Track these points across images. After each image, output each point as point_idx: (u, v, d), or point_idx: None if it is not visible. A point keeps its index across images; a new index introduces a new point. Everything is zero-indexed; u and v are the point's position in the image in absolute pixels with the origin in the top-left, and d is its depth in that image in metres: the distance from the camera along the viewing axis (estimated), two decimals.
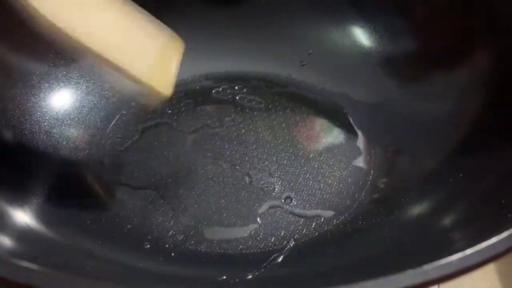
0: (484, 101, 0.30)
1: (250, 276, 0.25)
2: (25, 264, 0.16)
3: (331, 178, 0.32)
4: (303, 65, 0.41)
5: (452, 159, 0.29)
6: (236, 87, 0.40)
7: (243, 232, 0.28)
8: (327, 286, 0.16)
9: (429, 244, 0.23)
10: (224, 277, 0.25)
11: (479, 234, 0.20)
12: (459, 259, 0.14)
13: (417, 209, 0.28)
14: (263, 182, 0.32)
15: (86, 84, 0.37)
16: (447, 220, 0.25)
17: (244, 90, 0.40)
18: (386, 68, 0.38)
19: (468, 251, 0.14)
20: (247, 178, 0.32)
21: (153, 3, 0.38)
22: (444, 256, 0.15)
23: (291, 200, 0.30)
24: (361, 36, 0.40)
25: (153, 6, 0.39)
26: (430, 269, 0.13)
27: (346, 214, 0.30)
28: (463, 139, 0.29)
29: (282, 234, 0.28)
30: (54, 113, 0.34)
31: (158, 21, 0.34)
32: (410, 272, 0.13)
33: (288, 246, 0.28)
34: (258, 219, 0.29)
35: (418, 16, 0.36)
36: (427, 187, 0.29)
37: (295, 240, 0.28)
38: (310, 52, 0.41)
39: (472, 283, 0.32)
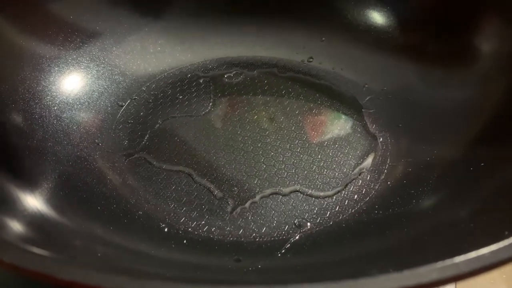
0: (507, 88, 0.29)
1: (263, 265, 0.24)
2: (36, 250, 0.15)
3: (346, 166, 0.31)
4: (310, 61, 0.40)
5: (472, 148, 0.28)
6: (248, 72, 0.39)
7: (256, 220, 0.28)
8: (344, 276, 0.15)
9: (448, 235, 0.23)
10: (237, 265, 0.24)
11: (502, 225, 0.19)
12: (492, 252, 0.13)
13: (435, 199, 0.27)
14: (276, 169, 0.31)
15: (97, 68, 0.36)
16: (467, 211, 0.24)
17: (256, 75, 0.39)
18: (403, 54, 0.37)
19: (501, 244, 0.13)
20: (259, 165, 0.31)
21: None
22: (467, 248, 0.14)
23: (305, 189, 0.30)
24: (378, 20, 0.39)
25: None
26: (462, 261, 0.13)
27: (362, 203, 0.29)
28: (484, 127, 0.29)
29: (296, 223, 0.28)
30: (64, 98, 0.33)
31: None
32: (439, 265, 0.13)
33: (302, 235, 0.27)
34: (271, 207, 0.29)
35: None
36: (445, 176, 0.28)
37: (309, 229, 0.27)
38: (323, 39, 0.40)
39: (488, 274, 0.32)
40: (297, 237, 0.27)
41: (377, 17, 0.38)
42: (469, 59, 0.32)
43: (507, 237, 0.15)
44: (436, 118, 0.32)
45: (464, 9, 0.33)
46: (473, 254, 0.13)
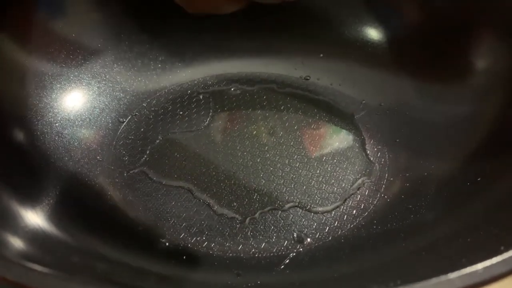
0: (503, 102, 0.29)
1: (262, 280, 0.25)
2: (36, 267, 0.16)
3: (345, 181, 0.31)
4: (307, 78, 0.40)
5: (469, 163, 0.29)
6: (248, 88, 0.40)
7: (255, 235, 0.28)
8: None
9: (446, 250, 0.23)
10: (236, 280, 0.25)
11: (498, 240, 0.19)
12: (485, 268, 0.13)
13: (432, 214, 0.27)
14: (275, 184, 0.31)
15: (98, 85, 0.37)
16: (464, 226, 0.24)
17: (256, 91, 0.40)
18: (400, 70, 0.37)
19: (495, 260, 0.13)
20: (259, 181, 0.31)
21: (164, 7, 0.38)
22: (464, 264, 0.14)
23: (304, 204, 0.30)
24: (374, 36, 0.39)
25: (163, 10, 0.39)
26: (456, 277, 0.13)
27: (360, 219, 0.29)
28: (481, 142, 0.29)
29: (295, 238, 0.28)
30: (66, 114, 0.34)
31: None
32: (433, 281, 0.13)
33: (301, 250, 0.27)
34: (270, 223, 0.29)
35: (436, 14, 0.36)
36: (443, 191, 0.28)
37: (308, 244, 0.28)
38: (321, 55, 0.40)
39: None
40: (296, 253, 0.27)
41: (374, 33, 0.39)
42: (466, 74, 0.33)
43: (502, 252, 0.15)
44: (433, 133, 0.32)
45: (459, 25, 0.33)
46: (467, 270, 0.13)
